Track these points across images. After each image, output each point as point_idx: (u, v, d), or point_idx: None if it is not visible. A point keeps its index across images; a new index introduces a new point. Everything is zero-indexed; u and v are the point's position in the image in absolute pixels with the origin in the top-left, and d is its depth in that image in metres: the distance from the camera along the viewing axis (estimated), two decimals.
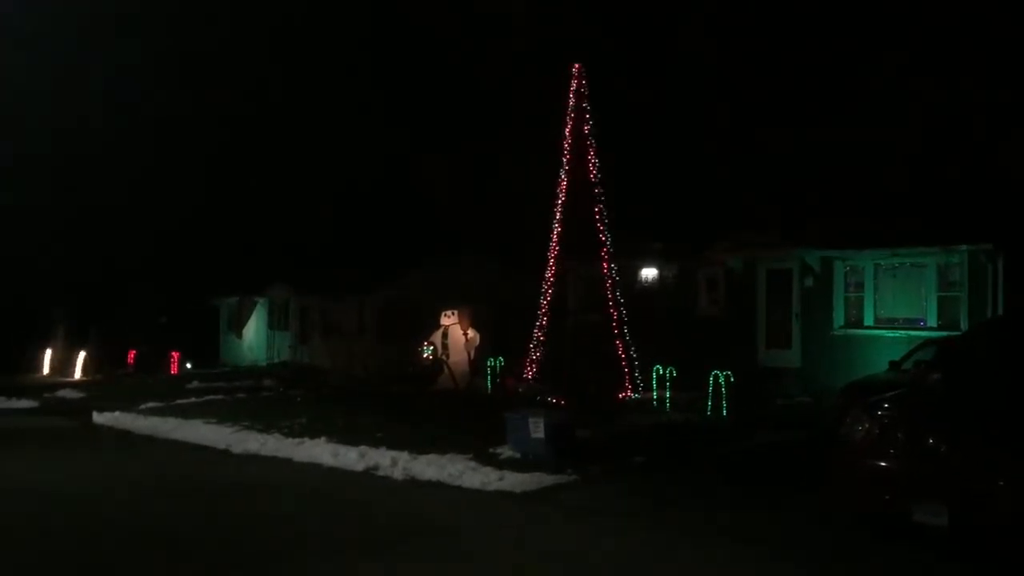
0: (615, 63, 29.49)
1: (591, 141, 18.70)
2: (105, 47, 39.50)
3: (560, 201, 18.90)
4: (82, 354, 27.12)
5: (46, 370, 28.19)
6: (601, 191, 18.83)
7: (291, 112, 41.50)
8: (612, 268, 19.20)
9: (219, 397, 20.37)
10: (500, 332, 21.99)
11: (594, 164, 18.74)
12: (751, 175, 25.86)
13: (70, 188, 38.44)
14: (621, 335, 18.80)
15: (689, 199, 24.77)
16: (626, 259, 21.53)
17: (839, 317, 18.80)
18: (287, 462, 12.66)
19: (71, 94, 38.65)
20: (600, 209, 18.85)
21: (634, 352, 18.70)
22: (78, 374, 26.96)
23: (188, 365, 28.73)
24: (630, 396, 17.86)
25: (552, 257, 19.38)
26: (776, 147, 26.60)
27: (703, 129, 28.40)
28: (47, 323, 30.31)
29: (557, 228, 19.18)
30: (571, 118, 18.72)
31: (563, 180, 18.80)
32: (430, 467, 11.36)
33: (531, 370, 19.29)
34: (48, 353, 28.13)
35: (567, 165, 18.65)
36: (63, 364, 27.85)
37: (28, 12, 36.20)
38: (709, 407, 15.67)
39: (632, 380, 18.39)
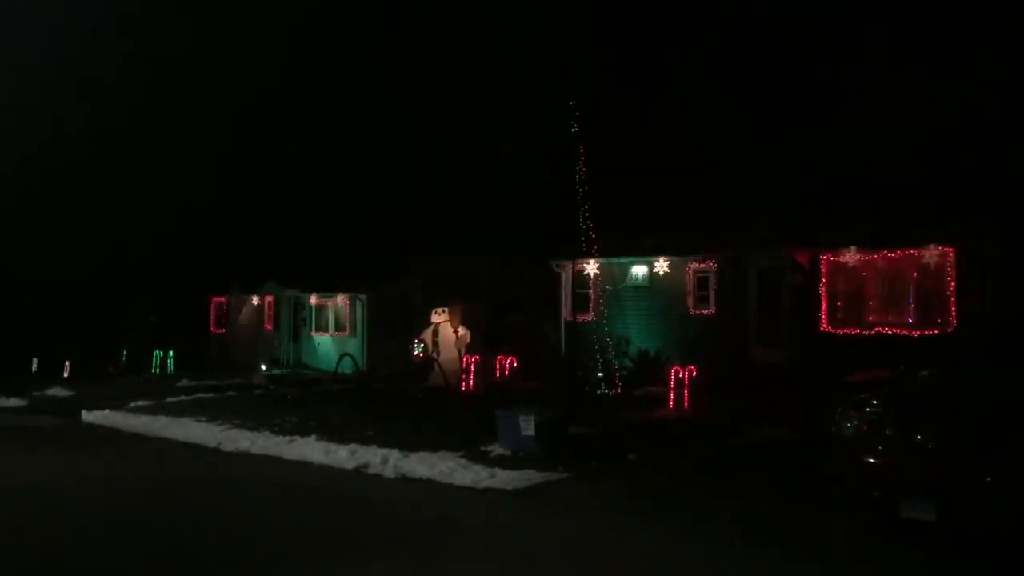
0: (609, 59, 29.49)
1: (582, 139, 18.67)
2: (100, 45, 39.25)
3: (555, 198, 18.85)
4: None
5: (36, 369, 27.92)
6: (594, 189, 18.82)
7: (287, 108, 41.34)
8: (605, 266, 19.22)
9: (209, 395, 20.32)
10: (494, 329, 22.01)
11: (587, 161, 18.72)
12: (742, 172, 25.88)
13: (58, 188, 38.27)
14: (614, 332, 18.82)
15: (680, 197, 24.76)
16: (618, 257, 21.56)
17: (828, 314, 18.84)
18: (277, 460, 12.64)
19: (67, 93, 38.44)
20: (593, 207, 18.84)
21: (626, 349, 18.73)
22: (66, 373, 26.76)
23: (179, 364, 28.64)
24: (623, 393, 17.86)
25: (547, 255, 19.37)
26: (766, 145, 26.64)
27: (694, 126, 28.41)
28: (42, 322, 30.18)
29: (552, 226, 19.17)
30: (567, 115, 18.67)
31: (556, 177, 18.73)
32: (421, 465, 11.35)
33: (522, 367, 19.29)
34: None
35: (563, 162, 18.57)
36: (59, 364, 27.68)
37: (30, 4, 35.94)
38: (701, 404, 15.69)
39: (625, 377, 18.41)
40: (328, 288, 28.59)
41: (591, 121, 18.72)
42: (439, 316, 21.57)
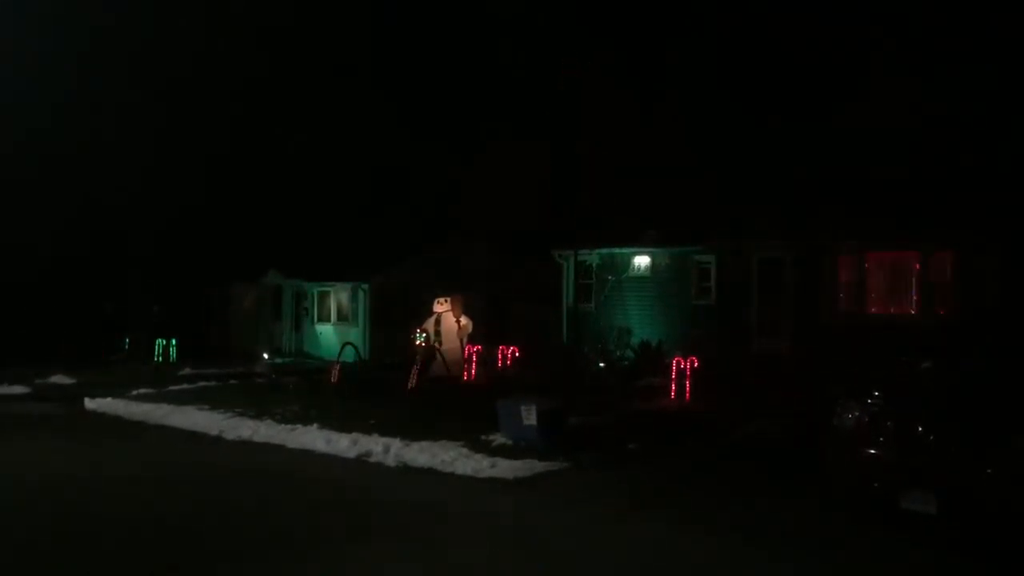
0: (613, 51, 29.44)
1: (583, 128, 18.66)
2: (93, 39, 39.07)
3: (554, 189, 18.89)
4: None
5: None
6: (596, 179, 18.82)
7: (287, 102, 41.28)
8: (607, 256, 19.25)
9: (212, 384, 20.37)
10: (495, 319, 22.04)
11: (589, 152, 18.71)
12: (744, 164, 25.87)
13: (67, 178, 38.21)
14: (615, 323, 18.84)
15: (683, 187, 24.77)
16: (621, 247, 21.59)
17: (829, 307, 18.86)
18: (280, 448, 12.69)
19: (70, 85, 38.31)
20: (595, 197, 18.85)
21: (628, 340, 18.76)
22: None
23: (181, 353, 28.69)
24: (624, 383, 17.88)
25: (547, 245, 19.39)
26: (767, 144, 26.61)
27: (695, 125, 28.40)
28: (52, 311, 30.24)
29: (552, 216, 19.19)
30: (566, 107, 18.70)
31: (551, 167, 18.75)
32: (422, 454, 11.40)
33: (524, 357, 19.32)
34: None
35: (560, 153, 18.62)
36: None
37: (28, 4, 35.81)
38: (702, 395, 15.72)
39: (626, 367, 18.43)
40: (330, 277, 28.64)
41: (592, 119, 18.70)
42: (441, 305, 21.58)
